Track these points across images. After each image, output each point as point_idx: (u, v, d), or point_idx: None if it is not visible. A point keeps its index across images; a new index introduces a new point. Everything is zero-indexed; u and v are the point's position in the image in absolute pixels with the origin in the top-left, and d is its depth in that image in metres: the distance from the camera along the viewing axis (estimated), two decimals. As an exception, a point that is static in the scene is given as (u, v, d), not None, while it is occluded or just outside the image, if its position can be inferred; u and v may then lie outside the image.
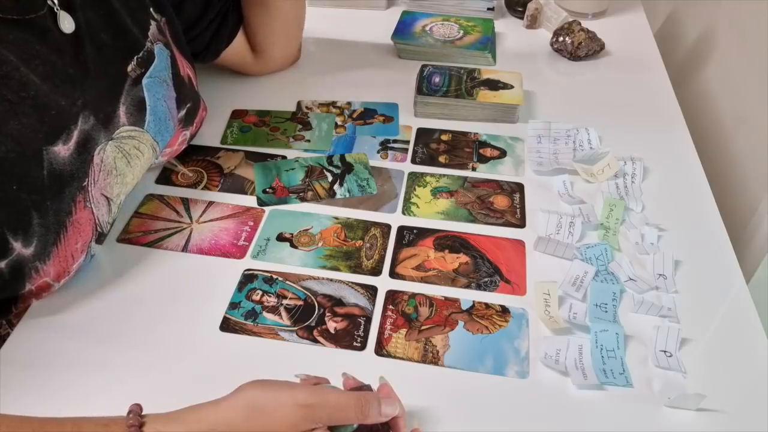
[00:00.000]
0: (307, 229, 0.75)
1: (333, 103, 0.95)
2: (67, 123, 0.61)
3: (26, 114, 0.57)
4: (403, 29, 1.08)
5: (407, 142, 0.89)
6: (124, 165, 0.69)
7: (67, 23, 0.61)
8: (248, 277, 0.69)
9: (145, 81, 0.71)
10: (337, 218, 0.77)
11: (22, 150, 0.56)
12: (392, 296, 0.68)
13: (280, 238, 0.74)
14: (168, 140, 0.76)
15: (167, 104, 0.75)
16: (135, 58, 0.70)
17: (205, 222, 0.76)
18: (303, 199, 0.79)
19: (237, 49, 0.93)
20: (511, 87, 0.93)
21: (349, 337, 0.64)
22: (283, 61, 1.00)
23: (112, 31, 0.67)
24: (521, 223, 0.77)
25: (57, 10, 0.60)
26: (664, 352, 0.63)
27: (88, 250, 0.66)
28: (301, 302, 0.67)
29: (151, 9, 0.75)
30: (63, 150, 0.60)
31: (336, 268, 0.71)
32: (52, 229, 0.60)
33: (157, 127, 0.73)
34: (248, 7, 0.91)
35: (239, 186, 0.81)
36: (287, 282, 0.69)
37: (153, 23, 0.74)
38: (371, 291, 0.68)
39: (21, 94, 0.56)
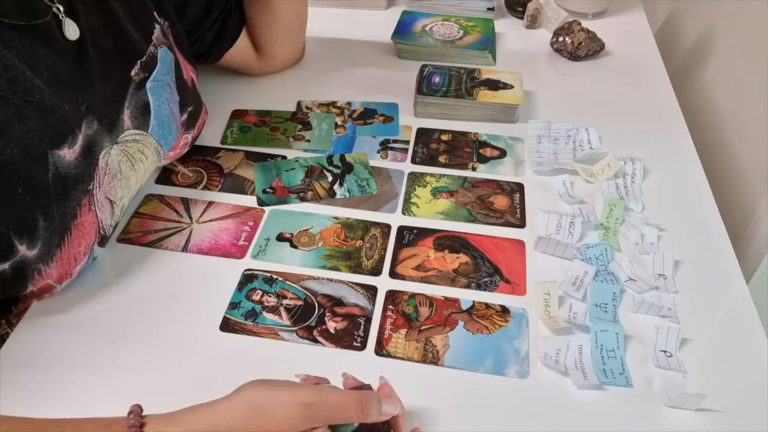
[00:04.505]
0: (307, 229, 0.75)
1: (333, 103, 0.95)
2: (72, 127, 0.61)
3: (31, 118, 0.57)
4: (403, 29, 1.08)
5: (407, 142, 0.89)
6: (129, 169, 0.69)
7: (72, 30, 0.61)
8: (248, 277, 0.69)
9: (149, 85, 0.71)
10: (337, 218, 0.77)
11: (27, 153, 0.57)
12: (392, 296, 0.68)
13: (280, 238, 0.74)
14: (171, 144, 0.76)
15: (171, 108, 0.75)
16: (138, 62, 0.70)
17: (205, 222, 0.76)
18: (303, 199, 0.79)
19: (240, 50, 0.93)
20: (511, 87, 0.93)
21: (349, 337, 0.64)
22: (287, 60, 1.00)
23: (114, 37, 0.67)
24: (521, 223, 0.77)
25: (62, 17, 0.60)
26: (664, 352, 0.63)
27: (90, 253, 0.66)
28: (301, 302, 0.67)
29: (155, 13, 0.75)
30: (68, 154, 0.61)
31: (336, 268, 0.71)
32: (57, 232, 0.60)
33: (161, 131, 0.73)
34: (250, 7, 0.91)
35: (239, 186, 0.81)
36: (287, 282, 0.69)
37: (157, 27, 0.74)
38: (371, 291, 0.68)
39: (26, 98, 0.56)
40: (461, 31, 1.08)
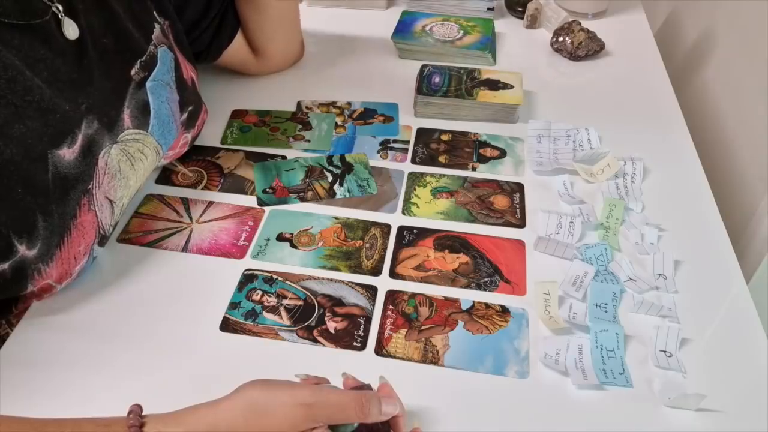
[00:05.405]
0: (307, 229, 0.75)
1: (333, 103, 0.95)
2: (72, 127, 0.61)
3: (31, 117, 0.57)
4: (403, 29, 1.08)
5: (407, 142, 0.89)
6: (128, 168, 0.69)
7: (71, 30, 0.61)
8: (248, 277, 0.69)
9: (148, 84, 0.71)
10: (337, 218, 0.77)
11: (26, 153, 0.57)
12: (392, 296, 0.68)
13: (280, 238, 0.74)
14: (171, 143, 0.76)
15: (171, 107, 0.75)
16: (138, 61, 0.70)
17: (205, 222, 0.76)
18: (303, 199, 0.79)
19: (237, 49, 0.93)
20: (511, 87, 0.93)
21: (349, 337, 0.64)
22: (284, 59, 1.00)
23: (114, 36, 0.67)
24: (521, 223, 0.77)
25: (61, 16, 0.60)
26: (664, 352, 0.63)
27: (90, 253, 0.66)
28: (301, 302, 0.67)
29: (155, 12, 0.75)
30: (68, 153, 0.61)
31: (336, 268, 0.71)
32: (56, 232, 0.60)
33: (161, 130, 0.73)
34: (240, 7, 0.91)
35: (239, 186, 0.81)
36: (287, 282, 0.69)
37: (157, 26, 0.74)
38: (371, 291, 0.68)
39: (26, 98, 0.56)
40: (461, 31, 1.08)
